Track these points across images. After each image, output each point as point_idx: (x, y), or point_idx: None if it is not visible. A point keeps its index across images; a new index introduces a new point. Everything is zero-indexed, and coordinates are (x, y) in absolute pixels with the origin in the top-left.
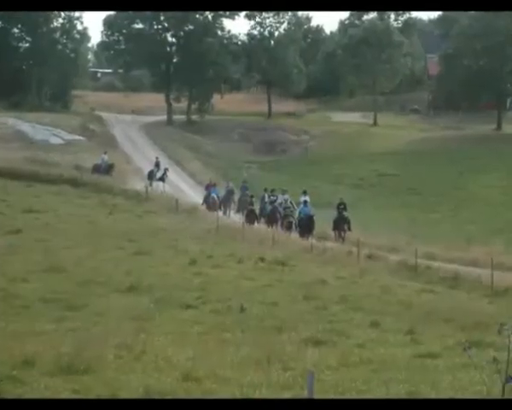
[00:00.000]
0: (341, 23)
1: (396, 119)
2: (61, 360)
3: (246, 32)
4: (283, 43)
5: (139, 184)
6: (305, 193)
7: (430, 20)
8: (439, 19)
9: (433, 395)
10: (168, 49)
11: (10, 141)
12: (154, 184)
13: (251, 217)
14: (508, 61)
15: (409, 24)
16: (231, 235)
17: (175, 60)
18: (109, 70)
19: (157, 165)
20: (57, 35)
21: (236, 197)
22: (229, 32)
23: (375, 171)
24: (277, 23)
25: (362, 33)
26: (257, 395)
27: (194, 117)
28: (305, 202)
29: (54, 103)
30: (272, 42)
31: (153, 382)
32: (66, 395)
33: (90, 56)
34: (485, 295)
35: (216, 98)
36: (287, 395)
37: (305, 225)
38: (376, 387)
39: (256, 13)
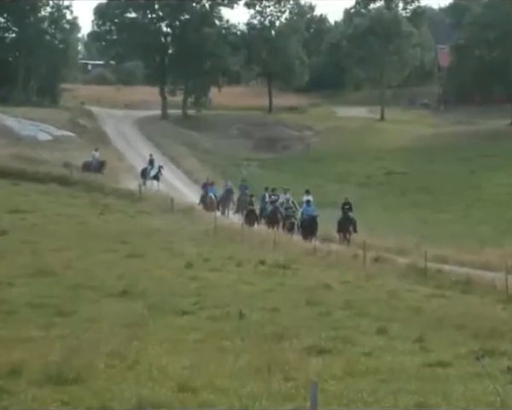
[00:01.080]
0: (346, 12)
1: (404, 113)
2: (49, 369)
3: (245, 21)
4: (285, 33)
5: (132, 183)
6: (307, 192)
7: (441, 9)
8: (450, 7)
9: (443, 407)
10: (163, 39)
11: None
12: (148, 182)
13: (251, 218)
14: None
15: (418, 13)
16: (230, 237)
17: (170, 51)
18: (100, 62)
19: (151, 162)
20: (45, 25)
21: (235, 197)
22: (227, 21)
23: (383, 168)
24: (279, 12)
25: (368, 23)
26: (257, 407)
27: (190, 112)
28: (308, 201)
29: (42, 97)
30: (273, 32)
31: (146, 392)
32: (54, 406)
33: (80, 47)
34: (499, 301)
35: (213, 92)
36: (288, 406)
37: (308, 227)
38: (384, 398)
39: (256, 1)
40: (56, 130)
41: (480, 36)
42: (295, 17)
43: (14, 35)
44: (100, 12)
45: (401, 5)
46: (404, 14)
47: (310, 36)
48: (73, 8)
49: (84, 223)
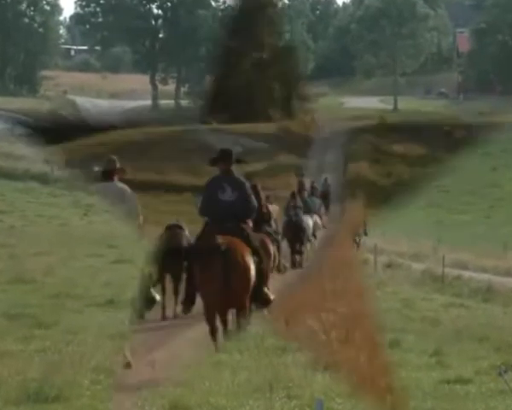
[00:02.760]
0: None
1: (420, 103)
2: (28, 387)
3: None
4: (288, 15)
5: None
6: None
7: None
8: None
9: None
10: (153, 22)
11: None
12: None
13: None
14: None
15: None
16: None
17: (161, 35)
18: (84, 47)
19: None
20: (23, 6)
21: None
22: (224, 2)
23: None
24: None
25: (380, 4)
26: None
27: (183, 102)
28: None
29: (19, 86)
30: None
31: None
32: None
33: (61, 31)
34: None
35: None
36: None
37: None
38: None
39: None
40: (36, 122)
41: (502, 19)
42: None
43: None
44: None
45: None
46: None
47: (315, 18)
48: None
49: (66, 225)
